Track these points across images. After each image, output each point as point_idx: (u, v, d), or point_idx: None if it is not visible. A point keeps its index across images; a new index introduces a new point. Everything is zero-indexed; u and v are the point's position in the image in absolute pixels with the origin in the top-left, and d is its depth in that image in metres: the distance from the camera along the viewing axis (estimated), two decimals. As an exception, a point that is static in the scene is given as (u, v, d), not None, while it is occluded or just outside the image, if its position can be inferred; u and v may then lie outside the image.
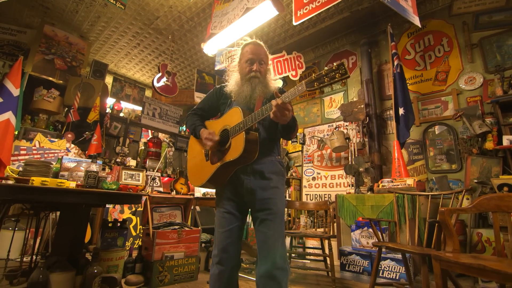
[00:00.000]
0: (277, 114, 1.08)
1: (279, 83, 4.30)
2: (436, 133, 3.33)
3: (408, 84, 3.52)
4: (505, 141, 2.58)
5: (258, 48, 1.33)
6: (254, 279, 2.42)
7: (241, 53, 1.37)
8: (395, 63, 3.34)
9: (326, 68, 0.99)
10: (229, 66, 1.45)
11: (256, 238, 1.21)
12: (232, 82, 1.37)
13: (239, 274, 1.31)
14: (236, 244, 1.24)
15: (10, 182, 1.58)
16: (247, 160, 1.19)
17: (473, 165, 2.77)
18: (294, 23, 2.70)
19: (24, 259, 2.22)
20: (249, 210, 1.31)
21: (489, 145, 2.71)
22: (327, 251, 2.47)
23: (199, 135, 1.36)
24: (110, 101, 5.03)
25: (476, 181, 2.64)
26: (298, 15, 2.64)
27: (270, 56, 4.10)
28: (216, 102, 1.45)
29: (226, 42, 3.57)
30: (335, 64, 0.97)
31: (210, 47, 3.69)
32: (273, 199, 1.21)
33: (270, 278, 1.12)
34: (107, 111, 4.64)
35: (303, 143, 4.58)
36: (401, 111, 3.18)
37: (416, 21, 2.54)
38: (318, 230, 3.26)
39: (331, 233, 2.48)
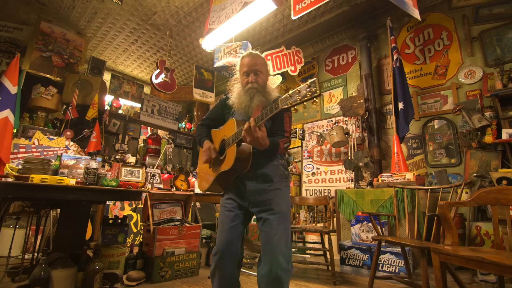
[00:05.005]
0: (246, 139, 1.11)
1: (278, 79, 4.27)
2: (436, 127, 3.33)
3: (407, 78, 3.51)
4: (504, 134, 2.58)
5: (252, 60, 1.36)
6: (255, 273, 2.46)
7: (239, 65, 1.42)
8: (395, 57, 3.32)
9: (301, 85, 0.97)
10: (231, 79, 1.51)
11: (260, 238, 1.23)
12: (234, 94, 1.42)
13: (240, 270, 1.32)
14: (237, 242, 1.24)
15: (9, 179, 1.58)
16: (240, 170, 1.25)
17: (472, 159, 2.78)
18: (293, 18, 2.68)
19: (26, 256, 2.23)
20: (253, 212, 1.32)
21: (488, 138, 2.71)
22: (327, 245, 2.49)
23: (202, 146, 1.45)
24: (108, 98, 4.99)
25: (475, 174, 2.65)
26: (297, 9, 2.62)
27: (269, 52, 4.07)
28: (221, 113, 1.52)
29: (225, 37, 3.54)
30: (309, 80, 0.94)
31: (208, 43, 3.66)
32: (275, 200, 1.23)
33: (272, 279, 1.12)
34: (105, 108, 4.62)
35: (302, 139, 4.58)
36: (400, 105, 3.17)
37: (416, 14, 2.52)
38: (318, 225, 3.28)
39: (331, 228, 2.49)
